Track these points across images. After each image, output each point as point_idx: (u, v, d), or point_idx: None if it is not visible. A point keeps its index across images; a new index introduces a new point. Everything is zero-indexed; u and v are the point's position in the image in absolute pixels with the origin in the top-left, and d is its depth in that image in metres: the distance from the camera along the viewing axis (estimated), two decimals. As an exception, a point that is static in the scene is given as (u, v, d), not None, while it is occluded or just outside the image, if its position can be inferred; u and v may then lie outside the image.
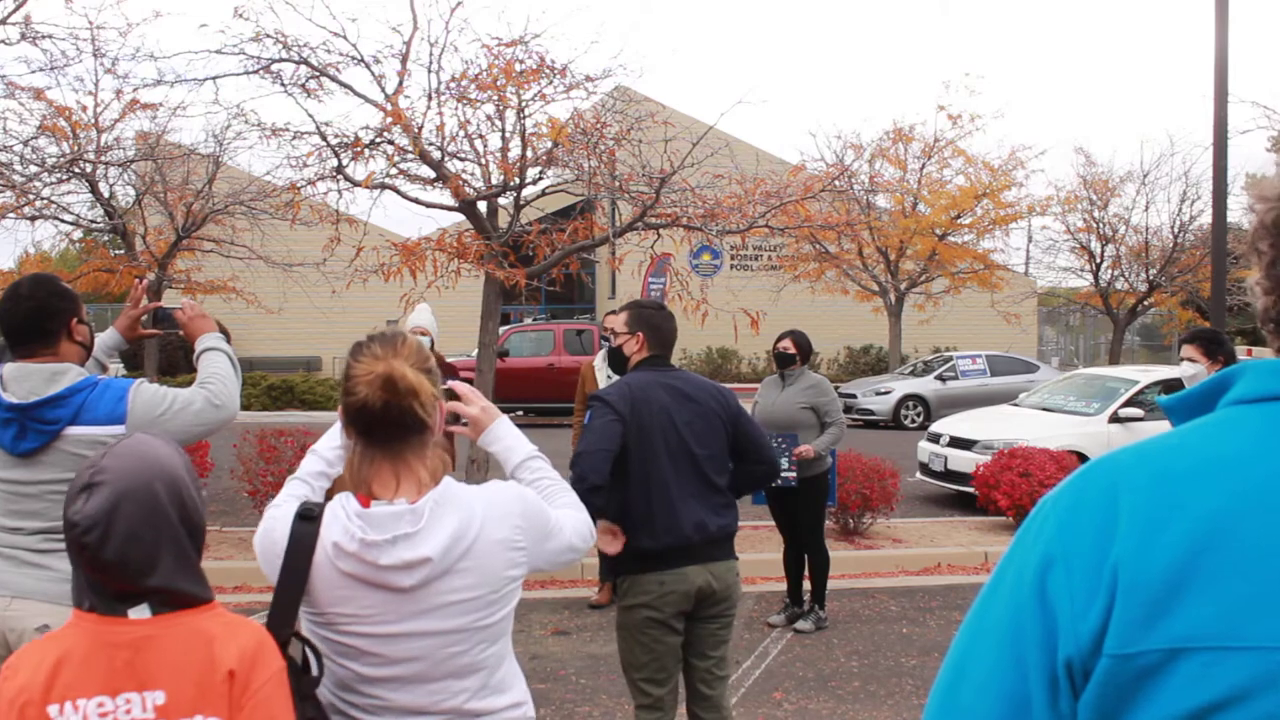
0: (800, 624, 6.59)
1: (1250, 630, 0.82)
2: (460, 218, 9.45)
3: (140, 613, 1.68)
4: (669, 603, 3.60)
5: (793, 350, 6.56)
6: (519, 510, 2.04)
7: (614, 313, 7.12)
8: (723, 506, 3.76)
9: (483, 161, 8.93)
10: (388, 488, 1.93)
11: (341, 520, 1.88)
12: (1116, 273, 23.67)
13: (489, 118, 8.83)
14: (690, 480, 3.66)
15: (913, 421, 18.87)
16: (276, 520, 1.96)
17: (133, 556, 1.66)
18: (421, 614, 1.90)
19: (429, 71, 8.80)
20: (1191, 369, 5.05)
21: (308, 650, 1.87)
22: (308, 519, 1.90)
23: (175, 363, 23.98)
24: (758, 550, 8.29)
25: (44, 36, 11.66)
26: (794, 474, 6.20)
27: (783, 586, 7.04)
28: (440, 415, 2.00)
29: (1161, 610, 0.84)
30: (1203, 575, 0.84)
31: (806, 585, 6.78)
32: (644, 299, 4.16)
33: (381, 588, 1.87)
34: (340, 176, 8.78)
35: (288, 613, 1.87)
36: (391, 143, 8.73)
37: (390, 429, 1.92)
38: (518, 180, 8.97)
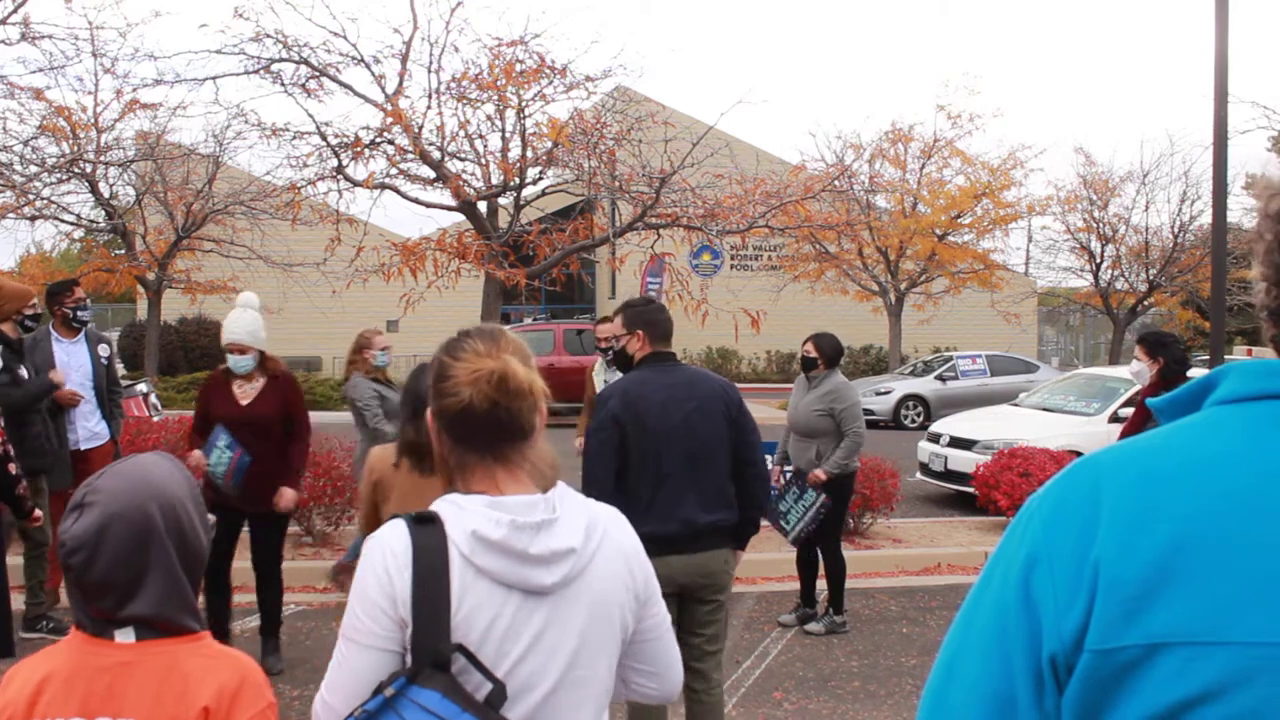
0: (811, 625, 6.50)
1: (1229, 626, 0.83)
2: (460, 218, 9.46)
3: (125, 636, 1.64)
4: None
5: (814, 354, 6.41)
6: (636, 547, 1.80)
7: (606, 321, 7.12)
8: (719, 501, 3.81)
9: (483, 161, 8.94)
10: (501, 487, 1.70)
11: (475, 510, 1.63)
12: (1116, 273, 23.72)
13: (489, 118, 8.85)
14: (686, 474, 3.76)
15: (913, 421, 18.86)
16: (380, 542, 1.65)
17: (118, 580, 1.62)
18: (553, 625, 1.65)
19: (429, 71, 8.83)
20: (1137, 366, 5.86)
21: (468, 661, 1.58)
22: (426, 522, 1.63)
23: (175, 363, 23.97)
24: (758, 550, 8.28)
25: (43, 37, 11.67)
26: (808, 528, 6.31)
27: (783, 586, 7.02)
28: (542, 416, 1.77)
29: (1141, 606, 0.86)
30: (1182, 573, 0.85)
31: (821, 585, 6.72)
32: (632, 298, 4.20)
33: (518, 589, 1.62)
34: (340, 176, 8.80)
35: (439, 625, 1.58)
36: (391, 143, 8.74)
37: (499, 432, 1.69)
38: (518, 180, 8.98)
